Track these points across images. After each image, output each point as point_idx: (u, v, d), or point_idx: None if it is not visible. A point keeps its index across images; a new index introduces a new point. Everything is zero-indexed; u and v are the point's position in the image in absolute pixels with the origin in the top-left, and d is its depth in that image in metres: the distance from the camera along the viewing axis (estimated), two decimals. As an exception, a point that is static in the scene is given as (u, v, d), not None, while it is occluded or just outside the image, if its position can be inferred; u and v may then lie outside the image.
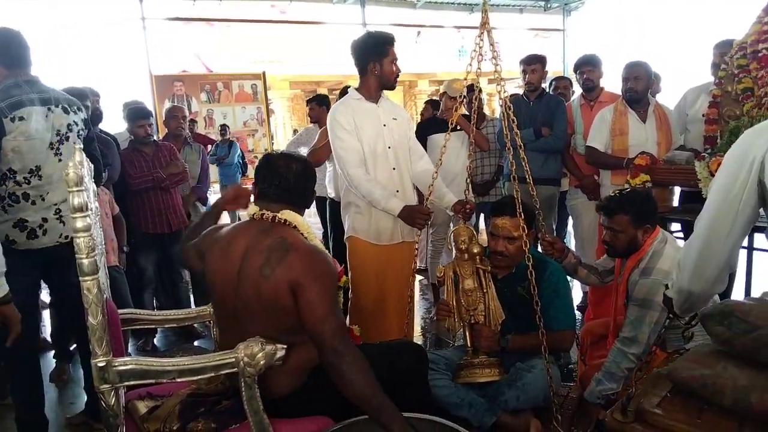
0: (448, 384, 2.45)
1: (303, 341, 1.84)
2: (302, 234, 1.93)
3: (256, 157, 9.54)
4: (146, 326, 2.29)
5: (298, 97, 14.24)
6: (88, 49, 9.79)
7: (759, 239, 3.48)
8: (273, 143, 10.07)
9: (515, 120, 2.44)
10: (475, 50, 2.49)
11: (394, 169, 2.92)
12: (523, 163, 2.50)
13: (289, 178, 1.96)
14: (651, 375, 2.01)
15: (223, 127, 8.28)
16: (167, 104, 8.17)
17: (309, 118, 5.13)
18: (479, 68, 2.51)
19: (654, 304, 2.34)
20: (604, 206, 2.58)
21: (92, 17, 9.04)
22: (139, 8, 8.34)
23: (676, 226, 3.96)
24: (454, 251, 2.64)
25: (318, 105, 4.86)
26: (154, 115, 4.02)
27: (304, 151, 5.22)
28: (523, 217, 2.42)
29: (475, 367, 2.42)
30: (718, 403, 1.36)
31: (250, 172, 9.41)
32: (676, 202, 3.91)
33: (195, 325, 3.84)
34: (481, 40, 2.46)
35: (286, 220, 1.91)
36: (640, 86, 3.53)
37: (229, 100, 9.37)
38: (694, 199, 3.48)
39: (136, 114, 3.87)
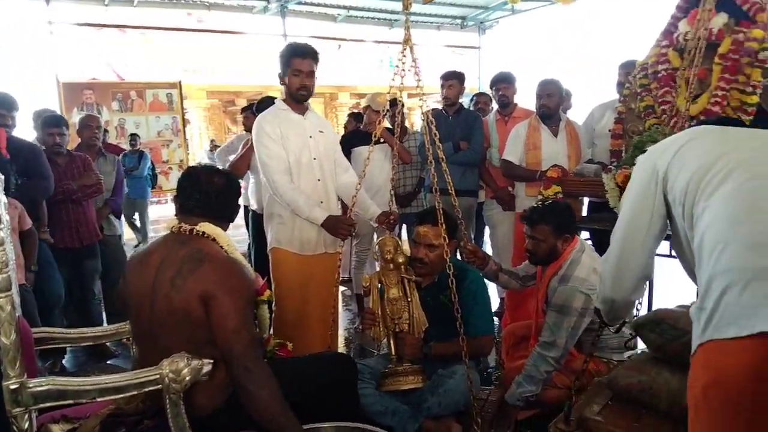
0: (372, 393, 2.48)
1: (216, 356, 1.79)
2: (222, 246, 1.91)
3: (170, 168, 9.25)
4: (58, 345, 2.17)
5: (215, 107, 13.94)
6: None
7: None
8: (189, 153, 9.82)
9: (437, 134, 2.52)
10: (398, 65, 2.55)
11: (319, 180, 2.95)
12: (446, 175, 2.57)
13: (210, 192, 1.95)
14: (592, 385, 2.12)
15: (133, 137, 7.93)
16: (76, 113, 7.81)
17: (244, 126, 5.08)
18: (402, 83, 2.58)
19: (571, 310, 2.47)
20: (527, 216, 2.72)
21: (-7, 20, 8.52)
22: (45, 12, 7.93)
23: (585, 235, 4.19)
24: (379, 261, 2.68)
25: (253, 114, 4.81)
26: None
27: (232, 158, 5.15)
28: (444, 226, 2.49)
29: (399, 375, 2.47)
30: (656, 408, 1.46)
31: (165, 184, 9.13)
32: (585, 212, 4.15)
33: (107, 344, 3.67)
34: (404, 55, 2.52)
35: (204, 233, 1.89)
36: (552, 103, 3.73)
37: (143, 109, 9.07)
38: (601, 209, 3.70)
39: (47, 122, 3.72)
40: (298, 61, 2.84)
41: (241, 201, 4.08)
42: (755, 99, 2.93)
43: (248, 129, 4.79)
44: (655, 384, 1.77)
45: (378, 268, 2.76)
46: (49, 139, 3.64)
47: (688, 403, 1.29)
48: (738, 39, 2.96)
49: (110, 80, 9.78)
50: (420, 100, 2.53)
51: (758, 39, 2.90)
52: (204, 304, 1.73)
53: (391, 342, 2.53)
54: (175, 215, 2.00)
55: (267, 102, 3.96)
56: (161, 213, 10.29)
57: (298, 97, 2.91)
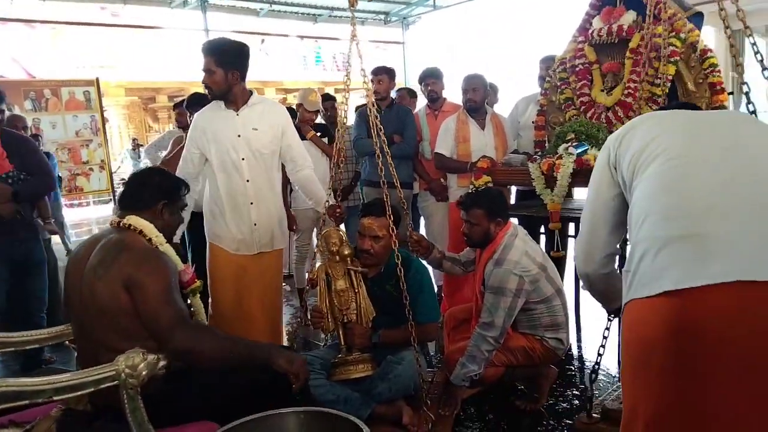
0: (323, 383, 2.54)
1: (151, 347, 1.79)
2: (150, 238, 1.99)
3: (91, 169, 8.89)
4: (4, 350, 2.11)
5: (135, 104, 13.49)
6: None
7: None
8: (110, 153, 9.47)
9: (381, 128, 2.65)
10: (346, 61, 2.64)
11: (248, 181, 2.88)
12: (391, 168, 2.68)
13: (132, 186, 2.12)
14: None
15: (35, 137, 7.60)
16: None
17: (177, 123, 4.98)
18: (348, 79, 2.65)
19: (506, 291, 2.62)
20: (462, 202, 2.88)
21: None
22: (-56, 5, 7.47)
23: (514, 221, 4.40)
24: (322, 254, 2.74)
25: (185, 110, 4.77)
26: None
27: (163, 154, 5.05)
28: (391, 217, 2.57)
29: (350, 364, 2.54)
30: None
31: (86, 185, 8.77)
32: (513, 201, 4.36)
33: (45, 350, 3.56)
34: (350, 51, 2.61)
35: (130, 225, 1.97)
36: (478, 97, 3.91)
37: (59, 108, 8.66)
38: (528, 197, 3.92)
39: None
40: (205, 59, 2.78)
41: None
42: (663, 90, 3.19)
43: (182, 126, 4.73)
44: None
45: (319, 262, 2.82)
46: None
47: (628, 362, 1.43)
48: (645, 35, 3.22)
49: (19, 78, 9.29)
50: (366, 96, 2.63)
51: (662, 35, 3.16)
52: (128, 292, 1.79)
53: (340, 332, 2.60)
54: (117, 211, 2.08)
55: (196, 98, 3.92)
56: (83, 216, 9.89)
57: (209, 94, 2.87)
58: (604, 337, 2.32)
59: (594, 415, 2.01)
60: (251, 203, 2.90)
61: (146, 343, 1.78)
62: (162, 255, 1.95)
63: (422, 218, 4.64)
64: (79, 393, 1.64)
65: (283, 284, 5.38)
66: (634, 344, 1.36)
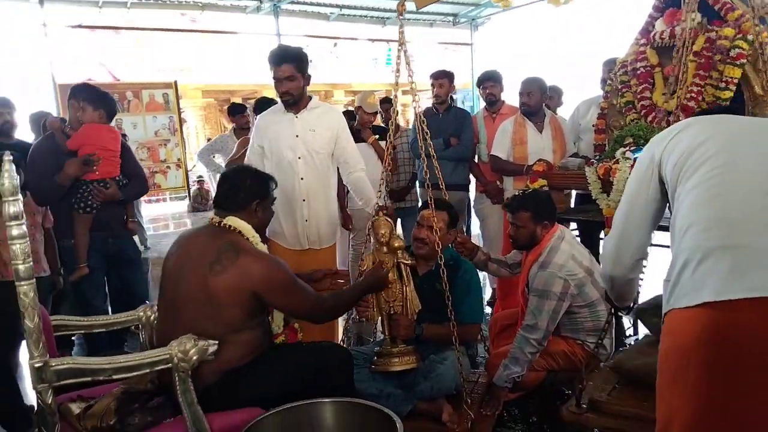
0: (367, 376, 2.62)
1: (231, 340, 2.00)
2: (247, 238, 2.17)
3: (168, 167, 9.35)
4: (73, 332, 2.31)
5: (211, 105, 14.05)
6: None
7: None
8: (186, 153, 9.92)
9: (428, 132, 2.67)
10: (393, 68, 2.67)
11: (302, 179, 3.02)
12: (437, 171, 2.72)
13: (224, 188, 2.26)
14: (600, 370, 2.27)
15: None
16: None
17: (236, 125, 5.26)
18: (396, 82, 2.69)
19: (551, 294, 2.62)
20: (508, 204, 2.92)
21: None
22: (39, 14, 8.02)
23: (573, 226, 4.35)
24: (372, 242, 2.78)
25: (243, 116, 5.10)
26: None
27: (218, 157, 5.31)
28: (448, 213, 2.67)
29: (393, 356, 2.59)
30: None
31: (163, 182, 9.24)
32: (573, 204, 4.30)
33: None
34: (399, 58, 2.64)
35: (230, 226, 2.15)
36: (533, 101, 3.89)
37: (140, 109, 9.14)
38: (588, 201, 3.86)
39: None
40: (275, 69, 2.93)
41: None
42: (728, 94, 3.08)
43: (244, 128, 5.00)
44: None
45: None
46: None
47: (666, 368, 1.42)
48: (710, 37, 3.12)
49: (106, 81, 9.88)
50: (413, 101, 2.68)
51: (729, 37, 3.06)
52: (254, 295, 2.03)
53: (386, 323, 2.66)
54: (214, 209, 2.31)
55: (262, 102, 4.11)
56: (161, 211, 10.38)
57: (283, 102, 3.01)
58: (603, 330, 2.31)
59: (582, 405, 2.00)
60: (303, 200, 3.05)
61: (226, 335, 1.99)
62: (272, 257, 2.22)
63: (477, 220, 4.65)
64: (135, 373, 1.80)
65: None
66: (672, 354, 1.36)
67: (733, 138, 1.49)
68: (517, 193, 2.95)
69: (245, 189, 2.23)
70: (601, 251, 2.01)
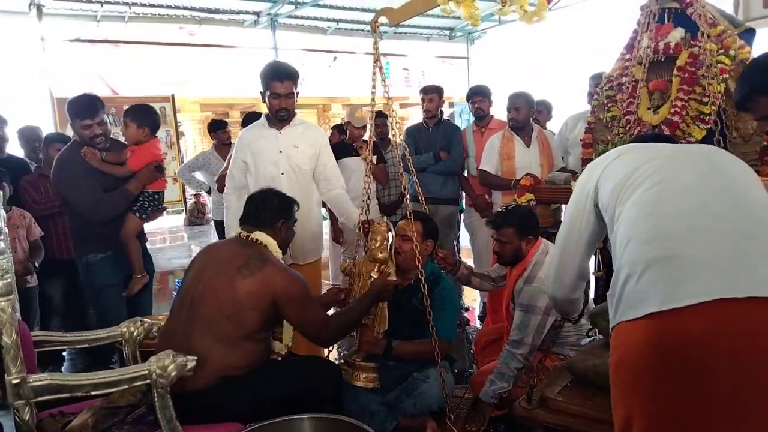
0: (350, 392, 2.61)
1: (238, 346, 2.11)
2: (271, 252, 2.32)
3: (165, 181, 9.42)
4: (56, 348, 2.32)
5: (209, 119, 14.10)
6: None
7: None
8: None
9: (416, 146, 2.70)
10: (373, 84, 2.71)
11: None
12: (416, 186, 2.79)
13: (263, 208, 2.40)
14: (553, 369, 2.31)
15: None
16: (70, 128, 7.95)
17: (219, 141, 5.28)
18: (373, 98, 2.74)
19: (536, 309, 2.64)
20: (492, 221, 2.93)
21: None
22: (37, 28, 8.08)
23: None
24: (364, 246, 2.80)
25: (224, 132, 5.13)
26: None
27: (200, 174, 5.34)
28: (420, 221, 2.69)
29: (357, 369, 2.63)
30: (607, 387, 1.62)
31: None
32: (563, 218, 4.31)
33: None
34: (374, 74, 2.68)
35: (258, 240, 2.32)
36: (520, 116, 3.93)
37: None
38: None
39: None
40: (276, 85, 2.95)
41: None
42: (712, 108, 3.11)
43: (226, 143, 5.08)
44: (606, 366, 1.94)
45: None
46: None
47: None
48: (694, 52, 3.15)
49: (104, 95, 9.93)
50: (390, 117, 2.73)
51: (712, 52, 3.09)
52: (273, 304, 2.16)
53: (357, 332, 2.69)
54: (240, 225, 2.46)
55: (251, 117, 4.14)
56: (158, 225, 10.41)
57: (278, 117, 3.04)
58: (556, 331, 2.43)
59: (533, 400, 2.04)
60: None
61: (245, 343, 2.14)
62: (294, 272, 2.31)
63: (467, 234, 4.67)
64: (113, 390, 1.81)
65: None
66: (623, 366, 1.38)
67: (671, 159, 1.56)
68: (499, 209, 2.96)
69: (272, 208, 2.40)
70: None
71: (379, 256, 2.67)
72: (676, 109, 3.23)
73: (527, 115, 3.97)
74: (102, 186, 3.01)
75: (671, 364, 1.26)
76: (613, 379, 1.42)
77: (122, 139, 3.42)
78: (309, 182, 3.15)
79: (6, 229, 1.91)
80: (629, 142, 2.04)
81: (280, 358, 2.48)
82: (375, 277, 2.65)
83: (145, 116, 3.14)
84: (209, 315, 2.12)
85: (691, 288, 1.26)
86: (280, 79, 2.95)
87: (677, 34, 3.26)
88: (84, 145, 3.00)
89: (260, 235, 2.33)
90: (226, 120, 7.18)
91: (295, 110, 3.12)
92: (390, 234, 2.76)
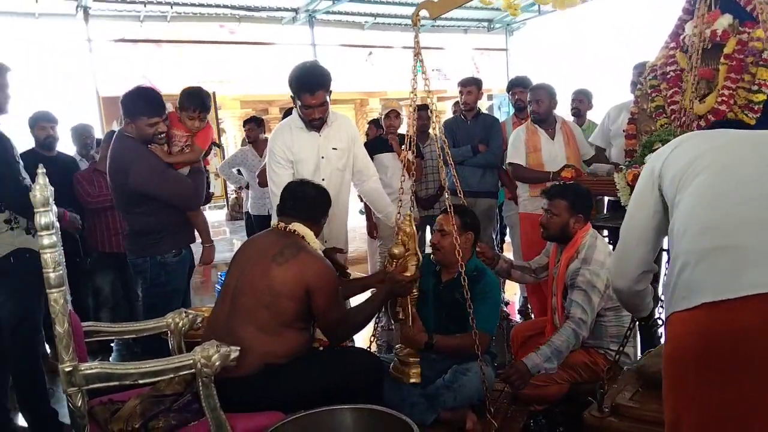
0: (392, 385, 2.62)
1: (280, 333, 2.15)
2: (308, 243, 2.35)
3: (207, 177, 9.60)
4: (106, 338, 2.40)
5: (249, 115, 14.32)
6: (34, 72, 9.67)
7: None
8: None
9: (453, 139, 2.68)
10: (413, 77, 2.65)
11: None
12: (455, 179, 2.73)
13: (302, 200, 2.42)
14: (623, 374, 2.28)
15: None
16: (115, 125, 8.17)
17: (247, 138, 5.35)
18: (413, 92, 2.68)
19: (596, 290, 2.60)
20: (546, 190, 2.90)
21: (37, 39, 8.95)
22: (84, 30, 8.33)
23: (605, 233, 4.28)
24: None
25: (256, 126, 5.13)
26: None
27: (242, 171, 5.42)
28: (458, 217, 2.64)
29: (403, 365, 2.65)
30: None
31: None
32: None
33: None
34: (414, 67, 2.66)
35: (295, 231, 2.34)
36: (542, 108, 3.87)
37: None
38: (619, 208, 3.80)
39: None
40: (307, 97, 2.81)
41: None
42: (762, 97, 3.00)
43: (252, 141, 5.12)
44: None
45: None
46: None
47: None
48: (742, 39, 3.05)
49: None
50: (431, 112, 2.71)
51: (762, 39, 2.98)
52: (307, 293, 2.18)
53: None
54: (277, 216, 2.49)
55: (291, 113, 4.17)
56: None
57: (312, 126, 2.94)
58: (625, 337, 2.31)
59: (605, 409, 1.99)
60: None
61: (286, 331, 2.18)
62: (329, 265, 2.34)
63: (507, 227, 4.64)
64: (160, 378, 1.86)
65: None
66: (675, 358, 1.37)
67: (731, 147, 1.52)
68: (556, 183, 2.95)
69: (309, 200, 2.43)
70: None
71: (396, 251, 2.62)
72: (724, 98, 3.13)
73: (549, 107, 3.90)
74: (178, 175, 3.00)
75: (725, 357, 1.24)
76: (665, 370, 1.41)
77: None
78: (346, 184, 3.12)
79: (57, 223, 1.98)
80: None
81: (321, 347, 2.52)
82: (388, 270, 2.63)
83: (206, 102, 3.13)
84: (249, 305, 2.17)
85: (749, 279, 1.24)
86: (311, 91, 2.81)
87: (725, 20, 3.15)
88: (144, 142, 2.91)
89: (298, 226, 2.35)
90: (263, 117, 7.31)
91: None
92: (410, 228, 2.67)
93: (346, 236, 3.26)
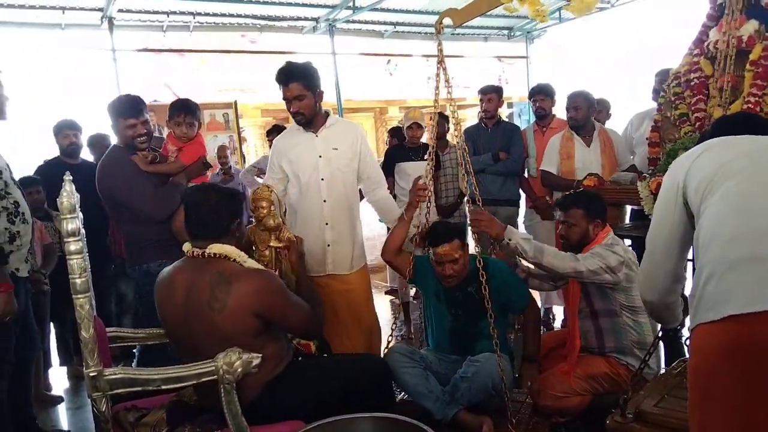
0: (420, 373, 2.67)
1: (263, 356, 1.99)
2: (235, 260, 2.07)
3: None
4: (129, 344, 2.42)
5: (270, 124, 14.39)
6: (58, 82, 9.84)
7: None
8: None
9: (474, 146, 2.68)
10: (436, 85, 2.68)
11: (324, 201, 2.92)
12: (473, 187, 2.73)
13: (205, 213, 2.09)
14: (651, 382, 2.25)
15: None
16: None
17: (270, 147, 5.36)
18: (436, 100, 2.71)
19: (605, 260, 2.58)
20: (560, 202, 2.88)
21: (62, 49, 9.11)
22: (109, 40, 8.48)
23: (627, 242, 4.23)
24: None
25: (278, 134, 5.16)
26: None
27: (262, 178, 5.45)
28: (456, 238, 2.70)
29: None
30: None
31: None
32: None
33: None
34: (438, 75, 2.66)
35: (215, 254, 2.05)
36: (579, 115, 3.85)
37: (201, 129, 9.47)
38: (643, 217, 3.76)
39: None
40: (282, 89, 2.80)
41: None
42: (789, 104, 2.96)
43: None
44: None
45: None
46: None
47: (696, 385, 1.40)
48: (768, 45, 3.01)
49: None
50: (453, 119, 2.72)
51: (788, 45, 2.94)
52: (260, 317, 2.01)
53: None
54: (189, 239, 2.16)
55: (275, 129, 4.19)
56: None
57: (296, 121, 2.90)
58: (649, 352, 2.29)
59: (628, 414, 1.95)
60: (326, 224, 2.94)
61: (265, 351, 2.01)
62: (265, 273, 2.14)
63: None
64: (183, 384, 1.87)
65: (391, 298, 5.58)
66: (701, 370, 1.34)
67: (756, 154, 1.49)
68: (567, 193, 2.95)
69: (224, 213, 2.11)
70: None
71: (272, 223, 2.52)
72: (750, 105, 3.08)
73: (587, 114, 3.89)
74: (152, 184, 2.94)
75: (753, 370, 1.22)
76: (690, 383, 1.38)
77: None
78: (351, 186, 3.01)
79: (83, 230, 2.01)
80: (713, 125, 1.92)
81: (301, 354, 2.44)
82: (274, 245, 2.55)
83: (195, 112, 3.11)
84: (213, 352, 1.90)
85: None
86: (284, 82, 2.79)
87: (750, 26, 3.12)
88: (126, 146, 2.93)
89: (217, 248, 2.06)
90: (285, 125, 7.35)
91: (327, 110, 2.97)
92: (273, 195, 2.59)
93: (362, 242, 3.13)
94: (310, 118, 2.87)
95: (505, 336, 2.73)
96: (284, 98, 2.83)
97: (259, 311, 2.00)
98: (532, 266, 3.04)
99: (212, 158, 3.26)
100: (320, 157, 2.90)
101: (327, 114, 2.96)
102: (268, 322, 2.07)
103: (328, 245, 2.96)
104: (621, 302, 2.66)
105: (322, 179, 2.90)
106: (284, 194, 3.00)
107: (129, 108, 2.92)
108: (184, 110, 3.06)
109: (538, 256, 2.57)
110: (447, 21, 2.66)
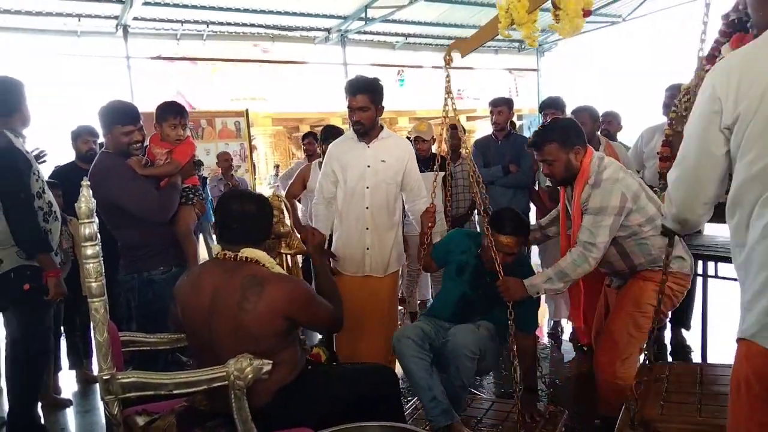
0: (426, 367, 2.64)
1: (276, 362, 2.01)
2: (264, 265, 2.11)
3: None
4: (141, 348, 2.42)
5: (280, 133, 14.52)
6: (73, 88, 9.96)
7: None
8: (255, 178, 10.27)
9: (484, 159, 2.71)
10: (444, 113, 2.80)
11: (367, 208, 3.11)
12: (483, 199, 2.82)
13: (244, 219, 2.12)
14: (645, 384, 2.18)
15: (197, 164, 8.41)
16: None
17: (305, 152, 5.40)
18: (442, 125, 2.83)
19: (609, 209, 2.49)
20: (532, 142, 2.73)
21: (77, 56, 9.22)
22: (123, 47, 8.59)
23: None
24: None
25: (315, 141, 5.19)
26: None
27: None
28: (522, 234, 2.75)
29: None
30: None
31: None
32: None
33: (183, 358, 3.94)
34: (445, 106, 2.79)
35: (247, 258, 2.09)
36: (585, 129, 3.81)
37: (213, 136, 9.55)
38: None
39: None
40: (349, 98, 3.01)
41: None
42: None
43: (309, 155, 5.12)
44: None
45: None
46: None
47: (730, 384, 1.38)
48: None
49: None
50: (462, 135, 2.75)
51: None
52: (288, 319, 2.05)
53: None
54: (218, 242, 2.20)
55: (328, 130, 4.23)
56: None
57: (354, 131, 3.07)
58: (656, 352, 2.30)
59: (636, 424, 1.94)
60: (367, 228, 3.12)
61: (280, 356, 2.04)
62: (295, 281, 2.21)
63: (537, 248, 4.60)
64: (194, 389, 1.89)
65: (399, 308, 5.57)
66: (755, 380, 1.29)
67: None
68: (537, 128, 2.78)
69: (260, 220, 2.17)
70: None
71: (281, 230, 2.54)
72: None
73: (591, 129, 3.86)
74: (152, 187, 2.94)
75: None
76: (739, 387, 1.33)
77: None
78: (394, 196, 3.17)
79: (99, 235, 2.04)
80: None
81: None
82: (284, 252, 2.59)
83: (185, 113, 3.10)
84: (233, 354, 1.94)
85: None
86: (353, 93, 3.00)
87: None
88: (118, 153, 2.90)
89: (249, 252, 2.09)
90: (298, 134, 7.41)
91: (382, 125, 3.16)
92: (282, 203, 2.62)
93: (400, 248, 3.33)
94: (368, 129, 3.05)
95: (506, 329, 2.65)
96: (348, 107, 3.03)
97: (289, 314, 2.05)
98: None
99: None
100: (368, 167, 3.08)
101: (382, 128, 3.15)
102: (294, 324, 2.13)
103: (367, 248, 3.16)
104: (638, 222, 2.54)
105: (367, 188, 3.09)
106: (333, 196, 3.20)
107: (126, 115, 2.92)
108: (178, 112, 3.07)
109: (565, 280, 2.56)
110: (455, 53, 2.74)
